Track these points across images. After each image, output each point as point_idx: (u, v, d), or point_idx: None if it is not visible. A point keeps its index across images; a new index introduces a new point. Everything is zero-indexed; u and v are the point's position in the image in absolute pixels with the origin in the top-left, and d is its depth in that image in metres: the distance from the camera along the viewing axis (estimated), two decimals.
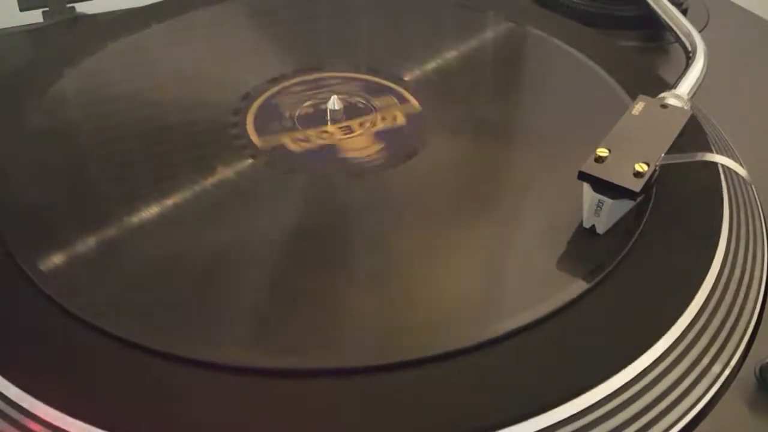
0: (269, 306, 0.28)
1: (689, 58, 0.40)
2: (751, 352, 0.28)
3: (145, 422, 0.24)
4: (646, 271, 0.29)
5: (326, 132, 0.37)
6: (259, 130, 0.37)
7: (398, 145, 0.36)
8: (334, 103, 0.37)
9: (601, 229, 0.30)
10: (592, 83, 0.41)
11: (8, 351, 0.26)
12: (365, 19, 0.49)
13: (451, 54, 0.44)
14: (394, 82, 0.41)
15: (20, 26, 0.50)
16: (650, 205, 0.31)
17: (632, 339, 0.26)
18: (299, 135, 0.37)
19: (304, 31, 0.47)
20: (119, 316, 0.27)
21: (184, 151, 0.36)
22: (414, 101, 0.39)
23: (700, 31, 0.43)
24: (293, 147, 0.36)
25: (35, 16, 0.51)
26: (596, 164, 0.30)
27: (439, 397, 0.24)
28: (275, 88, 0.40)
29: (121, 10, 0.49)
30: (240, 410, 0.24)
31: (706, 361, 0.27)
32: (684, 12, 0.49)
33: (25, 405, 0.24)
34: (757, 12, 0.55)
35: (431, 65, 0.43)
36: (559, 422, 0.24)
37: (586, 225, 0.30)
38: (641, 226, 0.30)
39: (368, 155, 0.35)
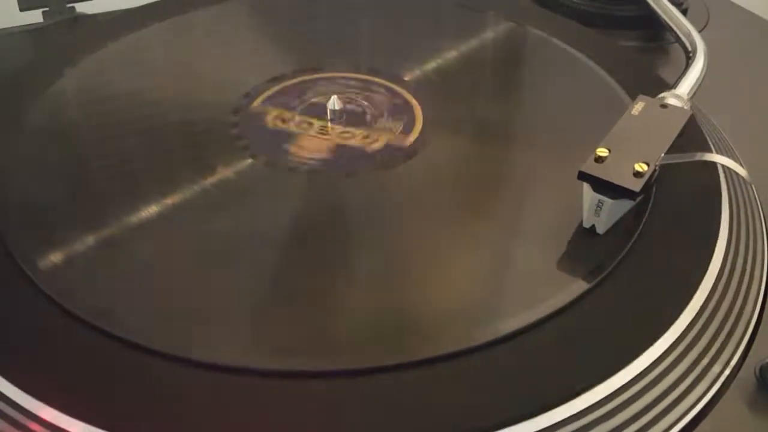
0: (269, 306, 0.28)
1: (689, 58, 0.40)
2: (751, 352, 0.28)
3: (145, 422, 0.24)
4: (645, 271, 0.29)
5: (326, 132, 0.37)
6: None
7: (398, 145, 0.36)
8: (334, 103, 0.37)
9: (601, 229, 0.30)
10: (592, 83, 0.41)
11: (8, 351, 0.26)
12: (365, 19, 0.49)
13: (451, 54, 0.44)
14: (394, 82, 0.41)
15: (20, 26, 0.50)
16: (650, 205, 0.31)
17: (632, 339, 0.26)
18: (309, 138, 0.37)
19: (305, 30, 0.47)
20: (119, 316, 0.27)
21: (184, 151, 0.36)
22: (414, 101, 0.39)
23: (700, 31, 0.43)
24: (306, 150, 0.36)
25: (35, 16, 0.51)
26: (596, 164, 0.30)
27: (439, 397, 0.24)
28: (275, 88, 0.40)
29: (121, 10, 0.49)
30: (240, 411, 0.24)
31: (706, 361, 0.27)
32: (684, 12, 0.49)
33: (25, 405, 0.24)
34: (757, 12, 0.55)
35: (431, 65, 0.43)
36: (559, 422, 0.24)
37: (586, 225, 0.30)
38: (641, 226, 0.30)
39: (368, 155, 0.35)
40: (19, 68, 0.42)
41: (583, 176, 0.29)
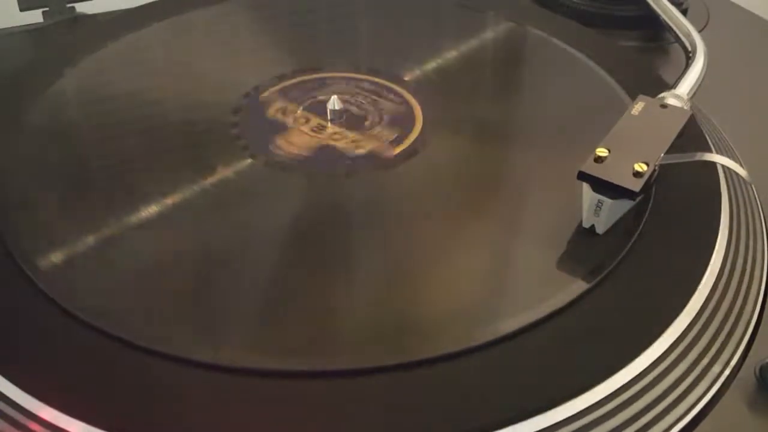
0: (269, 306, 0.28)
1: (689, 58, 0.40)
2: (751, 352, 0.28)
3: (145, 422, 0.24)
4: (645, 271, 0.29)
5: (326, 131, 0.37)
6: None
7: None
8: (334, 103, 0.37)
9: (600, 229, 0.30)
10: (592, 83, 0.41)
11: (8, 351, 0.26)
12: (365, 19, 0.49)
13: (451, 54, 0.44)
14: (394, 82, 0.41)
15: (20, 26, 0.50)
16: (650, 205, 0.31)
17: (632, 339, 0.26)
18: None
19: (305, 30, 0.47)
20: (119, 316, 0.27)
21: (184, 151, 0.36)
22: (414, 101, 0.39)
23: (700, 31, 0.43)
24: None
25: (35, 16, 0.51)
26: (596, 164, 0.30)
27: (439, 397, 0.24)
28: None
29: (121, 10, 0.49)
30: (240, 410, 0.24)
31: (706, 361, 0.27)
32: (684, 12, 0.49)
33: (25, 405, 0.24)
34: (757, 12, 0.55)
35: (431, 65, 0.43)
36: (559, 422, 0.24)
37: (586, 225, 0.30)
38: (641, 226, 0.30)
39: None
40: (19, 68, 0.42)
41: (582, 176, 0.29)
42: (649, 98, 0.34)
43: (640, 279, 0.29)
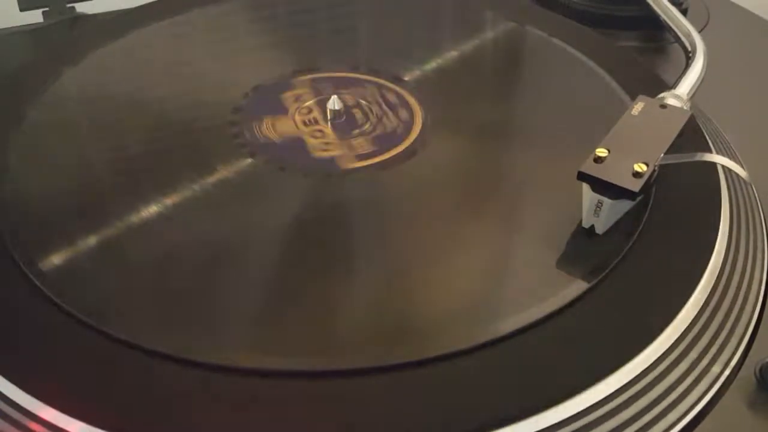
0: (269, 306, 0.28)
1: (689, 58, 0.40)
2: (751, 352, 0.28)
3: (145, 422, 0.24)
4: (645, 271, 0.29)
5: (312, 126, 0.37)
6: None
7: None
8: (334, 103, 0.37)
9: (600, 229, 0.30)
10: (592, 83, 0.41)
11: (8, 351, 0.26)
12: (365, 19, 0.49)
13: (451, 54, 0.44)
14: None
15: (20, 26, 0.50)
16: (650, 205, 0.31)
17: (632, 339, 0.26)
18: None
19: (304, 30, 0.47)
20: (119, 317, 0.27)
21: (184, 151, 0.36)
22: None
23: (700, 31, 0.43)
24: (272, 131, 0.36)
25: (35, 16, 0.51)
26: (595, 164, 0.30)
27: (439, 397, 0.24)
28: (310, 76, 0.40)
29: (121, 10, 0.49)
30: (240, 411, 0.24)
31: (706, 361, 0.27)
32: (684, 12, 0.49)
33: (25, 405, 0.24)
34: (757, 12, 0.55)
35: (431, 65, 0.43)
36: (559, 422, 0.24)
37: (586, 225, 0.30)
38: (641, 226, 0.30)
39: (326, 159, 0.35)
40: (19, 68, 0.42)
41: (582, 176, 0.29)
42: (649, 98, 0.34)
43: (640, 279, 0.29)
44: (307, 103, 0.39)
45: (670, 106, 0.34)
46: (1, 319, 0.27)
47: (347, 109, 0.38)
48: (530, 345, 0.26)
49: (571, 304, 0.27)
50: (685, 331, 0.27)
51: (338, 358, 0.25)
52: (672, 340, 0.26)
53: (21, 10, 0.50)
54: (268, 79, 0.41)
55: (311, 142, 0.36)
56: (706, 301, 0.28)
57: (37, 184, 0.34)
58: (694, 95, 0.36)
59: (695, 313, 0.27)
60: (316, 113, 0.38)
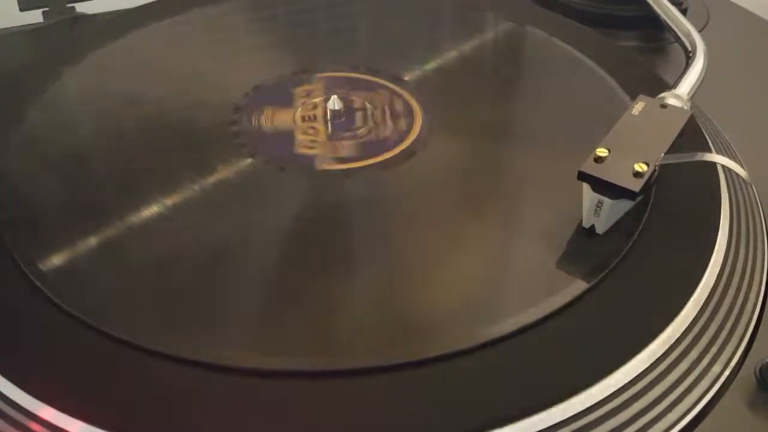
0: (269, 306, 0.28)
1: (689, 58, 0.40)
2: (751, 352, 0.28)
3: (144, 422, 0.24)
4: (645, 271, 0.29)
5: (308, 123, 0.37)
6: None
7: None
8: (334, 103, 0.37)
9: (600, 229, 0.30)
10: (592, 83, 0.41)
11: (8, 351, 0.26)
12: (365, 19, 0.49)
13: (451, 54, 0.44)
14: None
15: (20, 26, 0.50)
16: (650, 205, 0.31)
17: (632, 339, 0.26)
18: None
19: (304, 30, 0.47)
20: (119, 317, 0.27)
21: (184, 150, 0.36)
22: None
23: (700, 31, 0.43)
24: (268, 121, 0.36)
25: (35, 16, 0.51)
26: (596, 164, 0.30)
27: (439, 397, 0.24)
28: (328, 74, 0.40)
29: (121, 10, 0.49)
30: (240, 410, 0.24)
31: (706, 361, 0.27)
32: (684, 12, 0.49)
33: (25, 405, 0.24)
34: (757, 12, 0.55)
35: (431, 65, 0.43)
36: (559, 422, 0.24)
37: (586, 225, 0.30)
38: (641, 226, 0.30)
39: (305, 157, 0.35)
40: (19, 68, 0.42)
41: (582, 176, 0.29)
42: (649, 98, 0.34)
43: (640, 279, 0.29)
44: (315, 100, 0.39)
45: (671, 106, 0.34)
46: (1, 319, 0.27)
47: (349, 111, 0.38)
48: (530, 345, 0.26)
49: (571, 304, 0.27)
50: (685, 331, 0.27)
51: (338, 358, 0.25)
52: (672, 340, 0.26)
53: (21, 10, 0.50)
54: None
55: (300, 137, 0.36)
56: (706, 301, 0.28)
57: (37, 184, 0.34)
58: (694, 95, 0.36)
59: (695, 313, 0.27)
60: (319, 111, 0.38)
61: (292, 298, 0.28)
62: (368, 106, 0.39)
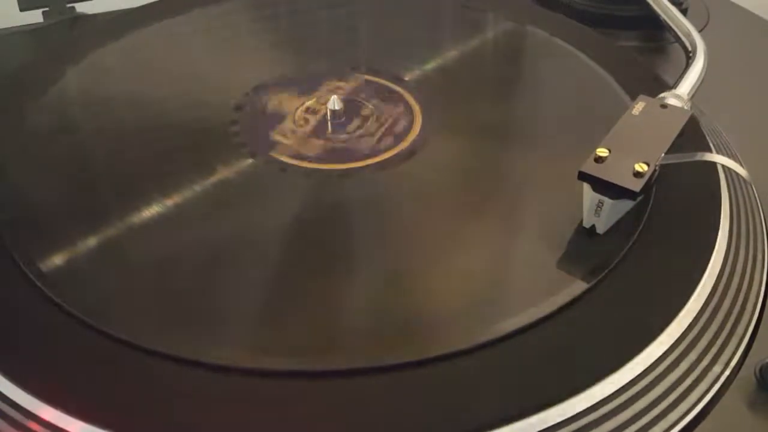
0: (269, 306, 0.28)
1: (689, 58, 0.40)
2: (751, 352, 0.28)
3: (145, 422, 0.24)
4: (645, 271, 0.29)
5: (309, 122, 0.37)
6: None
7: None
8: (334, 103, 0.37)
9: (601, 229, 0.30)
10: (592, 83, 0.41)
11: (8, 351, 0.26)
12: (365, 19, 0.49)
13: (451, 54, 0.44)
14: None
15: (20, 26, 0.50)
16: (650, 205, 0.31)
17: (632, 339, 0.26)
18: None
19: (305, 30, 0.47)
20: (119, 317, 0.27)
21: (184, 151, 0.36)
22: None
23: (700, 31, 0.43)
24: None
25: (35, 16, 0.51)
26: (596, 164, 0.30)
27: (439, 397, 0.24)
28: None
29: (121, 10, 0.49)
30: (240, 410, 0.24)
31: (706, 361, 0.27)
32: (684, 12, 0.49)
33: (24, 405, 0.24)
34: (757, 12, 0.55)
35: (431, 65, 0.43)
36: (559, 422, 0.24)
37: (586, 225, 0.30)
38: (641, 226, 0.30)
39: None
40: (19, 68, 0.42)
41: (583, 176, 0.29)
42: (649, 98, 0.34)
43: (640, 279, 0.29)
44: (332, 96, 0.38)
45: (671, 105, 0.34)
46: (1, 319, 0.27)
47: (350, 115, 0.38)
48: (530, 345, 0.26)
49: (571, 304, 0.27)
50: (685, 331, 0.27)
51: (338, 358, 0.25)
52: (672, 340, 0.26)
53: (21, 10, 0.50)
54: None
55: (285, 125, 0.37)
56: (706, 301, 0.28)
57: (37, 184, 0.34)
58: (695, 95, 0.36)
59: (695, 313, 0.27)
60: (326, 107, 0.38)
61: (292, 298, 0.28)
62: (374, 116, 0.38)
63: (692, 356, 0.26)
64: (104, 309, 0.27)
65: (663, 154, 0.30)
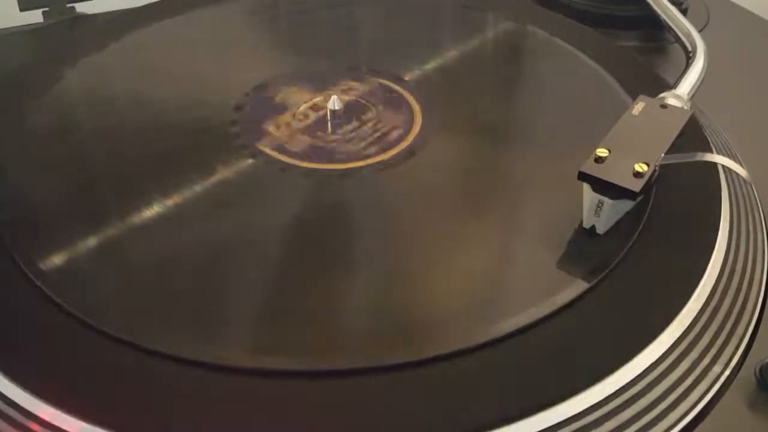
0: (269, 306, 0.28)
1: (689, 58, 0.40)
2: (751, 352, 0.28)
3: (145, 422, 0.24)
4: (645, 271, 0.29)
5: (307, 118, 0.37)
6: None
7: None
8: (334, 103, 0.37)
9: (601, 229, 0.30)
10: (592, 83, 0.41)
11: (8, 351, 0.26)
12: (366, 19, 0.49)
13: (451, 54, 0.44)
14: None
15: (20, 26, 0.50)
16: (650, 205, 0.31)
17: (632, 339, 0.26)
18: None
19: (305, 30, 0.47)
20: (119, 316, 0.27)
21: (184, 151, 0.36)
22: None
23: (700, 31, 0.43)
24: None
25: (35, 16, 0.51)
26: (596, 164, 0.30)
27: (439, 397, 0.24)
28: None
29: (121, 10, 0.49)
30: (240, 410, 0.24)
31: (706, 361, 0.27)
32: (684, 12, 0.49)
33: (24, 404, 0.24)
34: (757, 12, 0.55)
35: (431, 65, 0.43)
36: (559, 422, 0.24)
37: (586, 225, 0.30)
38: (641, 226, 0.30)
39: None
40: (19, 68, 0.42)
41: (582, 176, 0.29)
42: (649, 98, 0.34)
43: (640, 279, 0.29)
44: (333, 96, 0.38)
45: (671, 105, 0.34)
46: (1, 319, 0.27)
47: (350, 116, 0.38)
48: (530, 345, 0.26)
49: (571, 304, 0.27)
50: (685, 331, 0.27)
51: (338, 358, 0.25)
52: (672, 340, 0.26)
53: (21, 10, 0.50)
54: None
55: (283, 117, 0.38)
56: (706, 301, 0.28)
57: (37, 184, 0.34)
58: (695, 95, 0.36)
59: (695, 313, 0.27)
60: (321, 104, 0.39)
61: (292, 298, 0.28)
62: (372, 121, 0.38)
63: (692, 356, 0.26)
64: (104, 309, 0.27)
65: (663, 154, 0.30)
